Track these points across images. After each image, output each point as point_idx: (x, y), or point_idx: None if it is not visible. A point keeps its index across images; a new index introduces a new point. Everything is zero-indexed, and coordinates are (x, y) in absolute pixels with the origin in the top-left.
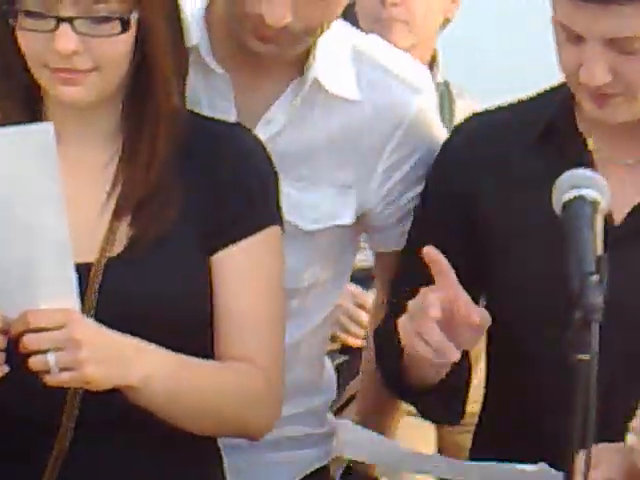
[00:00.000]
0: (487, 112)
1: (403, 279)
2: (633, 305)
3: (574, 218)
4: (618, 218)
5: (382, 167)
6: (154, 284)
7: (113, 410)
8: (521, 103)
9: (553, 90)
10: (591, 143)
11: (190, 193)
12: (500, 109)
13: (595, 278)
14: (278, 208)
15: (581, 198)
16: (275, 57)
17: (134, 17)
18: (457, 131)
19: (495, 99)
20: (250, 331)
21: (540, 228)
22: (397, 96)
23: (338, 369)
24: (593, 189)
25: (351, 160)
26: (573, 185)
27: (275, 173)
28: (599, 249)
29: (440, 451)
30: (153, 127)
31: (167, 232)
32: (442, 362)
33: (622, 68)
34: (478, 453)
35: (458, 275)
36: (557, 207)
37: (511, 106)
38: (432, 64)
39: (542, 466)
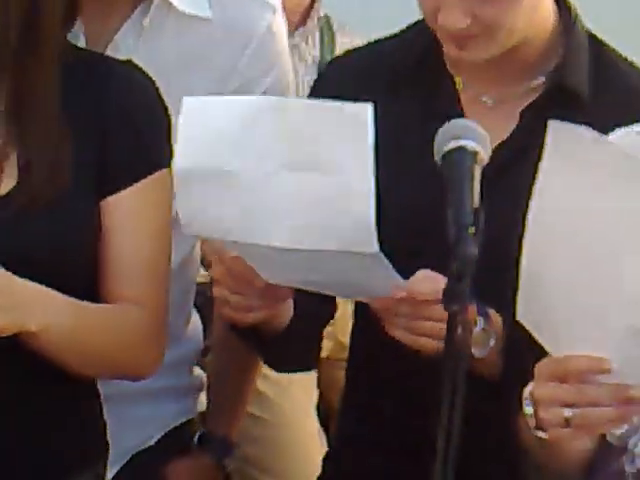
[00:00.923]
0: (354, 51)
1: None
2: (496, 238)
3: (454, 168)
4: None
5: (233, 87)
6: (40, 227)
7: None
8: (389, 40)
9: (418, 28)
10: (459, 82)
11: (79, 134)
12: (367, 47)
13: (472, 230)
14: (170, 148)
15: (461, 149)
16: None
17: None
18: (324, 74)
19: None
20: (138, 273)
21: (414, 169)
22: (247, 12)
23: None
24: (473, 140)
25: (205, 80)
26: (454, 135)
27: (165, 109)
28: (476, 201)
29: (320, 387)
30: (42, 65)
31: (60, 180)
32: None
33: (480, 10)
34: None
35: None
36: (437, 157)
37: (379, 44)
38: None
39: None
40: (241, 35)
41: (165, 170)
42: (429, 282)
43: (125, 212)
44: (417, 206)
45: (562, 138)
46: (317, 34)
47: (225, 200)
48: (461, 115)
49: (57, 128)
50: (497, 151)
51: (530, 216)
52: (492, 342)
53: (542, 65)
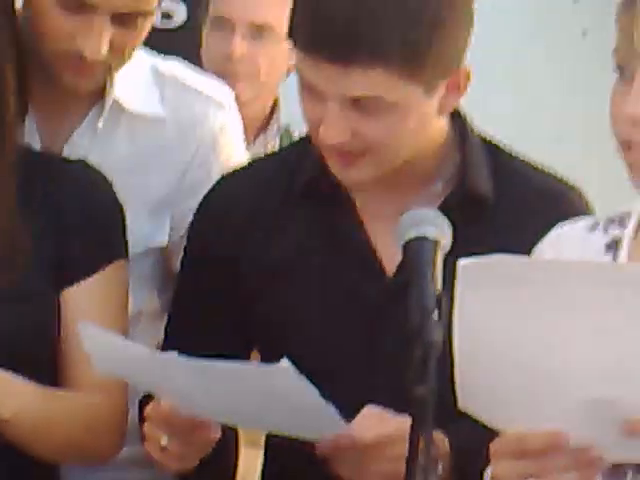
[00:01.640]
0: (244, 168)
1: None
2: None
3: (416, 256)
4: (389, 271)
5: (189, 182)
6: (8, 319)
7: None
8: (282, 153)
9: (308, 140)
10: (358, 201)
11: (36, 231)
12: (261, 160)
13: (435, 315)
14: (125, 240)
15: (423, 237)
16: (80, 86)
17: None
18: (211, 194)
19: None
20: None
21: (316, 280)
22: (200, 111)
23: None
24: (434, 227)
25: (161, 178)
26: (415, 223)
27: (120, 205)
28: (439, 287)
29: None
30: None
31: (18, 275)
32: None
33: (362, 128)
34: None
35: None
36: (399, 244)
37: (270, 157)
38: (274, 108)
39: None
40: (194, 133)
41: (121, 261)
42: (375, 424)
43: (83, 303)
44: (329, 327)
45: (472, 275)
46: (277, 142)
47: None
48: (363, 233)
49: (14, 222)
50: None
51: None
52: (440, 469)
53: (438, 172)
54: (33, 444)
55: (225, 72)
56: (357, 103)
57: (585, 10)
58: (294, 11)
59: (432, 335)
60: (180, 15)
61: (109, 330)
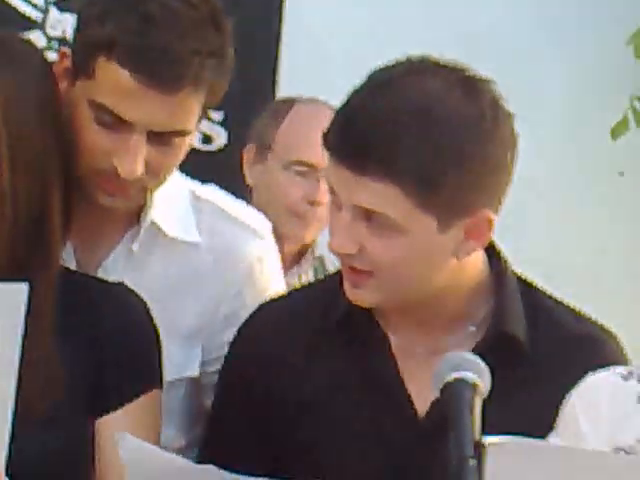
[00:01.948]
0: (279, 299)
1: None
2: None
3: (454, 400)
4: (421, 410)
5: (224, 312)
6: (34, 440)
7: None
8: (318, 285)
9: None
10: (392, 338)
11: (73, 357)
12: (297, 292)
13: (473, 462)
14: (161, 368)
15: (462, 380)
16: (119, 208)
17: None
18: (249, 321)
19: None
20: None
21: (347, 418)
22: (237, 240)
23: None
24: (473, 372)
25: (196, 305)
26: (453, 367)
27: (157, 332)
28: (477, 433)
29: None
30: (40, 288)
31: (51, 403)
32: None
33: (369, 244)
34: None
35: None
36: (437, 388)
37: (306, 289)
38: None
39: None
40: (231, 263)
41: (156, 390)
42: None
43: (117, 431)
44: (358, 463)
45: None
46: (311, 274)
47: None
48: (395, 371)
49: (50, 351)
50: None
51: None
52: None
53: (472, 312)
54: None
55: (304, 215)
56: (367, 216)
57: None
58: (329, 124)
59: None
60: (220, 139)
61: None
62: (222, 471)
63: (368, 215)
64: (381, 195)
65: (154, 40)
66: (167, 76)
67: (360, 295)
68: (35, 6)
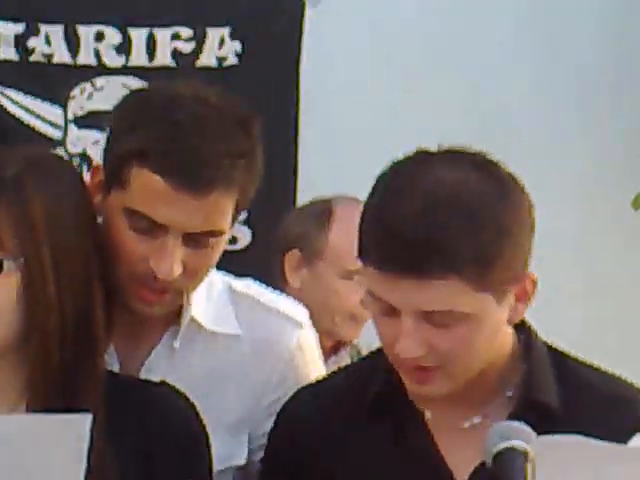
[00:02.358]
0: (318, 382)
1: None
2: None
3: (508, 469)
4: None
5: (268, 401)
6: None
7: None
8: (354, 366)
9: (378, 354)
10: (427, 414)
11: (121, 459)
12: (334, 374)
13: None
14: (210, 464)
15: (512, 449)
16: (154, 312)
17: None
18: (290, 402)
19: None
20: None
21: None
22: (277, 330)
23: None
24: (522, 440)
25: (238, 399)
26: (503, 436)
27: (204, 428)
28: None
29: None
30: (88, 395)
31: None
32: None
33: (437, 340)
34: None
35: None
36: (488, 459)
37: (342, 371)
38: None
39: None
40: (272, 352)
41: None
42: None
43: None
44: None
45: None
46: (348, 361)
47: None
48: (433, 446)
49: (104, 452)
50: (474, 475)
51: None
52: None
53: (505, 383)
54: None
55: (361, 317)
56: (431, 316)
57: None
58: (362, 231)
59: None
60: (245, 239)
61: None
62: None
63: (431, 315)
64: (444, 292)
65: (184, 144)
66: (198, 179)
67: (430, 390)
68: (54, 125)
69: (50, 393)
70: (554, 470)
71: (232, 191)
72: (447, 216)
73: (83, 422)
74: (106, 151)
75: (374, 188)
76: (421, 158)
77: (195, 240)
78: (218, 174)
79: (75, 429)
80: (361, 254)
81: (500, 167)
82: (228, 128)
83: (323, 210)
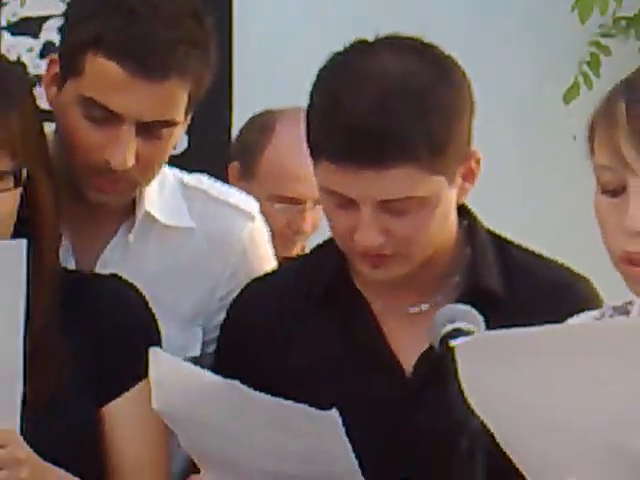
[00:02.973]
0: (267, 275)
1: None
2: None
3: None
4: (408, 368)
5: (220, 294)
6: (47, 442)
7: None
8: (303, 259)
9: (325, 247)
10: (376, 304)
11: (75, 349)
12: (284, 267)
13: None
14: None
15: (458, 330)
16: (111, 203)
17: (24, 172)
18: (240, 295)
19: None
20: (140, 477)
21: (334, 385)
22: (229, 223)
23: None
24: (468, 321)
25: (193, 290)
26: (449, 319)
27: (154, 317)
28: None
29: None
30: (38, 286)
31: (58, 392)
32: None
33: (394, 227)
34: None
35: None
36: (435, 342)
37: (293, 263)
38: None
39: None
40: (224, 245)
41: None
42: None
43: (123, 417)
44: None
45: (470, 353)
46: None
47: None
48: (380, 333)
49: (54, 338)
50: (421, 359)
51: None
52: None
53: (452, 269)
54: None
55: (289, 239)
56: (389, 205)
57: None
58: (314, 126)
59: (476, 427)
60: (182, 145)
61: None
62: (246, 387)
63: (388, 203)
64: (402, 181)
65: (139, 31)
66: (153, 64)
67: (385, 274)
68: None
69: None
70: (476, 365)
71: (186, 80)
72: (400, 106)
73: (19, 247)
74: (62, 41)
75: (320, 81)
76: (363, 48)
77: (149, 130)
78: (173, 61)
79: (12, 254)
80: (313, 150)
81: (438, 50)
82: (183, 18)
83: (266, 126)
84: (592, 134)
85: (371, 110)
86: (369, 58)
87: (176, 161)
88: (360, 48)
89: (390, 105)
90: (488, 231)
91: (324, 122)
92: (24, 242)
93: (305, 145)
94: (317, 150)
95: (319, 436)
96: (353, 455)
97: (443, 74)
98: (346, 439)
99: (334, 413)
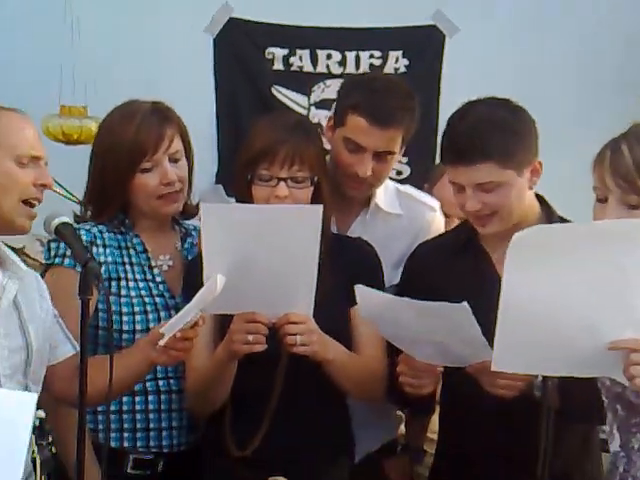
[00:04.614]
0: (433, 239)
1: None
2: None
3: None
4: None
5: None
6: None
7: (299, 384)
8: (450, 233)
9: (462, 224)
10: (494, 257)
11: (337, 279)
12: (441, 235)
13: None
14: (382, 283)
15: None
16: (357, 196)
17: (315, 179)
18: (415, 251)
19: None
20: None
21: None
22: (421, 211)
23: None
24: None
25: (398, 248)
26: None
27: (380, 263)
28: None
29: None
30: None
31: (323, 299)
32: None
33: (486, 199)
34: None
35: None
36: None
37: (446, 233)
38: None
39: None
40: (417, 224)
41: None
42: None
43: (357, 320)
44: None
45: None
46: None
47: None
48: (493, 267)
49: (327, 270)
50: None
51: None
52: (538, 380)
53: None
54: (344, 380)
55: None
56: (480, 187)
57: None
58: (441, 141)
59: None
60: (406, 171)
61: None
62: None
63: (480, 186)
64: (486, 171)
65: (378, 101)
66: (383, 119)
67: (488, 229)
68: (302, 107)
69: None
70: (521, 263)
71: (401, 129)
72: (485, 128)
73: (317, 210)
74: (336, 107)
75: (451, 115)
76: (471, 101)
77: (380, 157)
78: (396, 117)
79: (312, 214)
80: (442, 154)
81: (520, 107)
82: (403, 93)
83: None
84: (593, 168)
85: (468, 131)
86: (472, 104)
87: (397, 179)
88: (470, 101)
89: (480, 127)
90: (560, 218)
91: (444, 137)
92: (320, 207)
93: None
94: (443, 154)
95: (456, 321)
96: (479, 328)
97: (514, 113)
98: (475, 320)
99: (465, 304)
